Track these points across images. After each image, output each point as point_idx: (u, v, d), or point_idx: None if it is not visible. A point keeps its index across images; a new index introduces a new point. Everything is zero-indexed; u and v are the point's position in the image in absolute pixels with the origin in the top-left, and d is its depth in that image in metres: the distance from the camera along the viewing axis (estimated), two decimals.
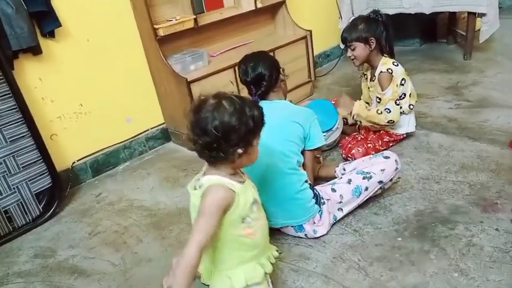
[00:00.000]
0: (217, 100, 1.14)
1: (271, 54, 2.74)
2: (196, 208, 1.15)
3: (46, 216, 2.09)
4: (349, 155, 2.11)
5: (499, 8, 3.17)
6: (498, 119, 2.32)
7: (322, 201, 1.66)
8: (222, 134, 1.10)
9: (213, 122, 1.10)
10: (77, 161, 2.36)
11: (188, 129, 1.18)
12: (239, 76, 1.74)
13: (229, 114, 1.11)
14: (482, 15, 3.02)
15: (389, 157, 1.74)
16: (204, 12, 2.72)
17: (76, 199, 2.25)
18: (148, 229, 1.89)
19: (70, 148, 2.32)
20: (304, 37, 2.95)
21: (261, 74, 1.65)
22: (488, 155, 2.00)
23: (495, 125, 2.26)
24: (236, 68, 1.95)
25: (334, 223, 1.70)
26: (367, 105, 2.23)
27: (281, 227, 1.68)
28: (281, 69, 1.74)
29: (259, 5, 2.80)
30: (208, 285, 1.29)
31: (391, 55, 2.13)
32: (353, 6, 3.27)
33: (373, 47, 2.06)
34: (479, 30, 3.14)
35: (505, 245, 1.47)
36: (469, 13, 3.11)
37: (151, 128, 2.64)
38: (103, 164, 2.46)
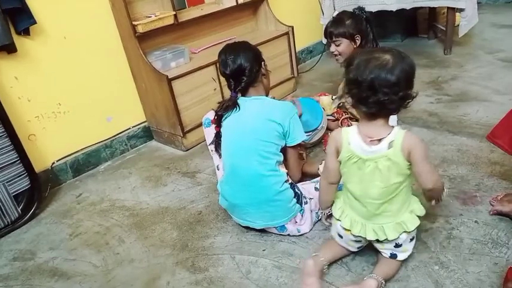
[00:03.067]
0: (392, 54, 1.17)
1: None
2: (385, 173, 1.21)
3: (25, 218, 2.04)
4: None
5: (478, 3, 3.22)
6: (477, 112, 2.36)
7: (304, 200, 1.65)
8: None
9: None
10: (57, 161, 2.32)
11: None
12: (218, 67, 1.67)
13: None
14: (461, 10, 3.06)
15: None
16: (185, 7, 2.69)
17: (56, 200, 2.21)
18: (130, 229, 1.86)
19: (49, 148, 2.27)
20: (286, 33, 2.95)
21: (242, 67, 1.57)
22: (467, 148, 2.03)
23: (474, 118, 2.30)
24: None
25: (318, 220, 1.70)
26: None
27: (263, 228, 1.67)
28: (263, 63, 1.68)
29: (240, 1, 2.78)
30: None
31: None
32: (335, 2, 3.27)
33: (357, 43, 2.06)
34: (459, 25, 3.18)
35: (483, 237, 1.49)
36: (449, 8, 3.14)
37: (132, 127, 2.61)
38: (83, 163, 2.42)
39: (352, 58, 1.22)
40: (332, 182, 1.39)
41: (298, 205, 1.63)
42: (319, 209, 1.62)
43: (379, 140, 1.20)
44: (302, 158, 2.08)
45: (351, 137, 1.25)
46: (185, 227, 1.82)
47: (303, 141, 1.83)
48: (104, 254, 1.73)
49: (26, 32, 2.05)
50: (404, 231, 1.30)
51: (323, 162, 1.90)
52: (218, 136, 1.69)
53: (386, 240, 1.31)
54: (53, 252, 1.81)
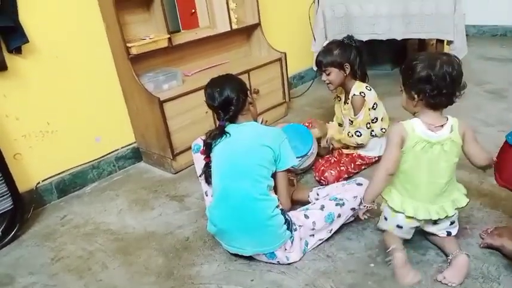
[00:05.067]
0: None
1: (246, 75, 2.75)
2: (449, 154, 1.44)
3: (6, 240, 1.97)
4: (322, 178, 2.11)
5: (465, 35, 3.30)
6: None
7: (294, 227, 1.63)
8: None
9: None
10: (42, 181, 2.26)
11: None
12: (205, 101, 1.69)
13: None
14: (450, 42, 3.13)
15: (361, 184, 1.74)
16: (180, 31, 2.71)
17: (39, 221, 2.14)
18: (114, 254, 1.81)
19: (35, 168, 2.22)
20: (279, 59, 2.98)
21: (228, 98, 1.62)
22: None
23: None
24: None
25: (306, 250, 1.67)
26: (339, 127, 2.26)
27: (252, 255, 1.64)
28: (248, 92, 1.72)
29: (234, 27, 2.81)
30: None
31: (364, 80, 2.17)
32: (326, 30, 3.33)
33: (347, 72, 2.09)
34: None
35: (474, 271, 1.48)
36: (438, 40, 3.22)
37: (121, 148, 2.57)
38: (69, 184, 2.36)
39: (411, 61, 1.42)
40: (391, 173, 1.48)
41: (288, 232, 1.61)
42: (360, 204, 1.58)
43: (442, 126, 1.42)
44: (292, 185, 2.07)
45: (415, 126, 1.42)
46: (171, 253, 1.77)
47: (293, 167, 1.83)
48: (85, 280, 1.67)
49: (17, 51, 2.03)
50: (456, 208, 1.51)
51: (313, 189, 1.91)
52: (208, 166, 1.68)
53: (446, 218, 1.50)
54: (32, 277, 1.74)
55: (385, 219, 1.58)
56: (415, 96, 1.40)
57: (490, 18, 4.53)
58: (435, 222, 1.51)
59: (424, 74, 1.36)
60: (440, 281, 1.44)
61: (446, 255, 1.52)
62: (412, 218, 1.49)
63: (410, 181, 1.48)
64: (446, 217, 1.49)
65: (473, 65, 3.71)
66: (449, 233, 1.55)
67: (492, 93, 3.07)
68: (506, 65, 3.63)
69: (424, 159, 1.43)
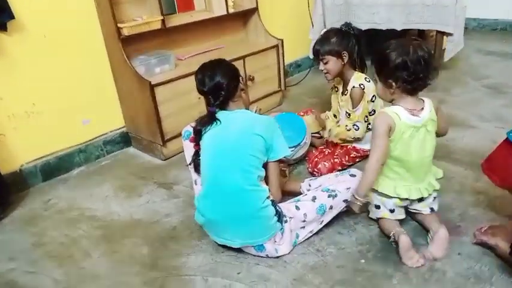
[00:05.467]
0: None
1: (241, 61, 2.67)
2: (432, 132, 1.52)
3: None
4: (315, 170, 2.06)
5: (465, 28, 3.23)
6: (463, 139, 2.34)
7: (284, 219, 1.58)
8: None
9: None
10: (26, 163, 2.19)
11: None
12: (196, 86, 1.62)
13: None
14: (449, 34, 3.07)
15: (355, 175, 1.70)
16: (175, 13, 2.62)
17: (22, 205, 2.08)
18: (98, 242, 1.75)
19: (19, 149, 2.15)
20: (276, 46, 2.90)
21: (219, 83, 1.55)
22: (452, 175, 2.00)
23: (460, 144, 2.28)
24: None
25: (296, 242, 1.63)
26: (334, 119, 2.20)
27: (241, 247, 1.59)
28: (240, 78, 1.65)
29: (231, 10, 2.72)
30: None
31: (362, 70, 2.10)
32: (325, 17, 3.25)
33: (345, 60, 2.02)
34: (445, 49, 3.19)
35: (466, 271, 1.44)
36: (438, 32, 3.15)
37: (110, 132, 2.50)
38: (55, 167, 2.29)
39: (383, 50, 1.44)
40: (383, 163, 1.51)
41: (278, 223, 1.56)
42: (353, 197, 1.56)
43: (422, 109, 1.47)
44: (285, 175, 2.02)
45: (400, 114, 1.45)
46: (157, 242, 1.72)
47: (285, 157, 1.78)
48: (66, 268, 1.62)
49: (3, 28, 1.94)
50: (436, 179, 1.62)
51: (305, 180, 1.86)
52: (197, 154, 1.62)
53: (434, 191, 1.61)
54: (12, 262, 1.68)
55: (377, 207, 1.63)
56: (393, 83, 1.44)
57: (490, 12, 4.46)
58: (421, 199, 1.58)
59: (401, 61, 1.39)
60: (429, 258, 1.49)
61: (428, 231, 1.58)
62: (402, 199, 1.56)
63: (402, 165, 1.52)
64: (435, 190, 1.60)
65: (472, 59, 3.65)
66: (432, 209, 1.62)
67: (491, 88, 3.02)
68: (506, 60, 3.58)
69: (412, 143, 1.48)
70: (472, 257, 1.50)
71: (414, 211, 1.64)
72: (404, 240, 1.48)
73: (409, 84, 1.42)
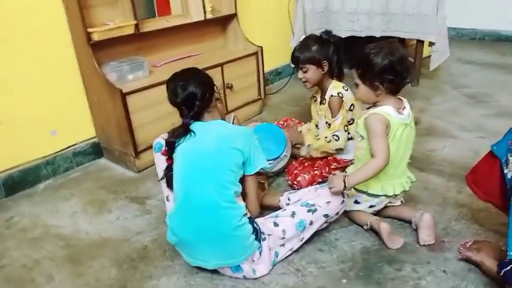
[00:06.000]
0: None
1: (219, 68, 2.59)
2: (413, 127, 1.57)
3: None
4: (295, 182, 1.98)
5: None
6: (444, 149, 2.31)
7: (262, 236, 1.50)
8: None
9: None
10: None
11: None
12: (168, 98, 1.52)
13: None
14: (432, 43, 3.06)
15: None
16: (155, 16, 2.54)
17: None
18: (63, 263, 1.62)
19: None
20: (255, 53, 2.83)
21: (193, 93, 1.45)
22: (435, 187, 1.95)
23: (441, 155, 2.24)
24: None
25: (276, 261, 1.54)
26: (317, 130, 2.13)
27: (216, 268, 1.49)
28: (215, 87, 1.57)
29: (209, 16, 2.64)
30: None
31: (340, 78, 2.04)
32: (306, 24, 3.20)
33: (325, 70, 1.96)
34: (426, 57, 3.18)
35: None
36: (418, 41, 3.14)
37: (80, 142, 2.36)
38: (19, 181, 2.14)
39: (366, 55, 1.46)
40: (387, 165, 1.47)
41: (256, 242, 1.47)
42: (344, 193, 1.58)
43: (404, 108, 1.53)
44: (263, 188, 1.94)
45: (390, 113, 1.47)
46: (126, 264, 1.60)
47: (264, 170, 1.70)
48: None
49: None
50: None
51: (284, 194, 1.77)
52: (170, 169, 1.52)
53: (411, 182, 1.65)
54: None
55: (357, 202, 1.67)
56: (380, 86, 1.46)
57: (469, 22, 4.51)
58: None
59: (387, 63, 1.42)
60: (423, 245, 1.56)
61: (409, 222, 1.65)
62: (387, 196, 1.61)
63: (391, 163, 1.51)
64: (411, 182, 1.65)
65: (452, 68, 3.67)
66: (402, 201, 1.73)
67: (470, 97, 3.02)
68: (484, 69, 3.60)
69: (402, 140, 1.52)
70: (457, 274, 1.45)
71: (389, 204, 1.69)
72: (385, 227, 1.55)
73: (394, 84, 1.46)
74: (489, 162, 1.42)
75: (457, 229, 1.67)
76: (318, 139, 2.04)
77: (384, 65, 1.42)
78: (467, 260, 1.48)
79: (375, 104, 1.53)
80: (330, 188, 1.55)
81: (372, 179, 1.51)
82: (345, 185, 1.50)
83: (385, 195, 1.60)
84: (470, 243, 1.53)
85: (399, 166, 1.58)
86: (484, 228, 1.66)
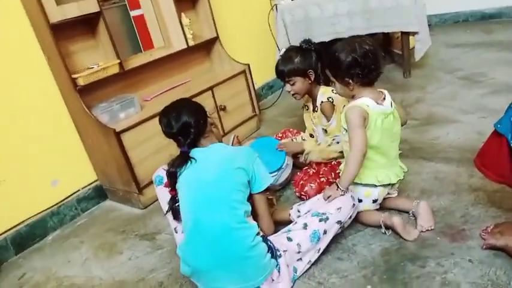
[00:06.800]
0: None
1: (209, 92, 2.59)
2: (397, 117, 1.59)
3: None
4: (303, 193, 1.94)
5: (428, 25, 3.23)
6: (448, 135, 2.26)
7: (278, 253, 1.45)
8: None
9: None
10: None
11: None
12: (163, 130, 1.52)
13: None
14: (414, 33, 3.05)
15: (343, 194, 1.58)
16: (141, 52, 2.56)
17: None
18: None
19: None
20: (243, 71, 2.83)
21: (187, 122, 1.47)
22: (445, 175, 1.91)
23: (446, 142, 2.20)
24: None
25: (296, 277, 1.49)
26: (311, 139, 2.10)
27: None
28: (207, 113, 1.57)
29: (191, 43, 2.64)
30: None
31: (328, 83, 2.02)
32: (289, 35, 3.20)
33: (312, 78, 1.94)
34: (413, 48, 3.17)
35: (482, 278, 1.32)
36: (403, 33, 3.14)
37: (82, 188, 2.34)
38: (27, 237, 2.11)
39: (333, 54, 1.51)
40: (365, 154, 1.50)
41: (273, 260, 1.43)
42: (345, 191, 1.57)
43: (384, 98, 1.55)
44: (272, 204, 1.90)
45: (368, 104, 1.50)
46: None
47: (270, 184, 1.67)
48: None
49: None
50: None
51: (293, 206, 1.73)
52: (174, 200, 1.49)
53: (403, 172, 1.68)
54: None
55: (360, 201, 1.65)
56: (350, 81, 1.50)
57: (450, 6, 4.51)
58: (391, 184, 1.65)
59: (351, 59, 1.46)
60: (421, 231, 1.58)
61: (407, 212, 1.69)
62: (385, 186, 1.63)
63: (380, 152, 1.57)
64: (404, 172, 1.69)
65: (441, 54, 3.65)
66: (398, 193, 1.76)
67: (465, 79, 2.99)
68: (474, 50, 3.58)
69: (385, 129, 1.54)
70: (483, 261, 1.39)
71: (387, 196, 1.71)
72: (398, 221, 1.56)
73: (364, 77, 1.49)
74: (495, 142, 1.37)
75: (476, 215, 1.61)
76: (319, 145, 2.01)
77: (348, 61, 1.47)
78: (492, 248, 1.42)
79: (353, 98, 1.57)
80: (326, 199, 1.57)
81: (361, 168, 1.55)
82: (340, 189, 1.54)
83: (382, 185, 1.61)
84: (491, 227, 1.48)
85: (389, 155, 1.61)
86: (503, 209, 1.61)
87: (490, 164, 1.38)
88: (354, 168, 1.51)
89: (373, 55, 1.47)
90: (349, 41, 1.51)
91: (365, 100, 1.51)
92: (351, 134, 1.50)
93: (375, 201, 1.66)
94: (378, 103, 1.52)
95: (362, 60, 1.46)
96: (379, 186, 1.61)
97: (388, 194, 1.71)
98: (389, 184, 1.63)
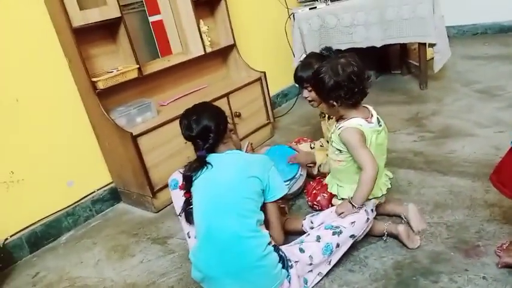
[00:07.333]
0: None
1: (225, 99, 2.61)
2: (386, 134, 1.61)
3: None
4: (315, 203, 1.94)
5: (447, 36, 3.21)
6: (464, 148, 2.24)
7: (289, 264, 1.45)
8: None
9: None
10: (10, 236, 2.06)
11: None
12: (182, 133, 1.54)
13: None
14: (432, 45, 3.03)
15: None
16: (159, 57, 2.60)
17: (8, 283, 1.93)
18: None
19: (1, 223, 2.02)
20: (259, 79, 2.84)
21: (207, 126, 1.48)
22: (460, 189, 1.89)
23: (462, 155, 2.17)
24: None
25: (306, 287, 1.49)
26: (325, 146, 2.10)
27: None
28: (228, 118, 1.59)
29: (208, 50, 2.67)
30: None
31: None
32: (305, 44, 3.22)
33: None
34: (431, 59, 3.15)
35: None
36: (420, 44, 3.12)
37: (97, 190, 2.38)
38: (42, 236, 2.15)
39: (317, 75, 1.51)
40: (378, 170, 1.50)
41: (284, 270, 1.43)
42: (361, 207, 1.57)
43: (372, 116, 1.56)
44: (284, 213, 1.90)
45: (361, 123, 1.51)
46: None
47: None
48: None
49: None
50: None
51: (306, 217, 1.73)
52: (188, 203, 1.51)
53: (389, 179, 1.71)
54: None
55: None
56: (334, 103, 1.51)
57: (469, 18, 4.47)
58: None
59: (333, 83, 1.46)
60: (418, 233, 1.64)
61: (399, 216, 1.74)
62: (376, 198, 1.65)
63: None
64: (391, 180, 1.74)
65: (459, 66, 3.61)
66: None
67: (482, 92, 2.96)
68: (491, 63, 3.54)
69: (378, 145, 1.57)
70: (498, 279, 1.37)
71: (377, 203, 1.72)
72: (403, 229, 1.59)
73: (348, 100, 1.49)
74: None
75: (491, 231, 1.59)
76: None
77: (330, 85, 1.47)
78: (508, 266, 1.40)
79: (341, 117, 1.57)
80: (339, 215, 1.57)
81: (355, 185, 1.55)
82: (354, 206, 1.53)
83: (376, 197, 1.64)
84: (507, 244, 1.45)
85: (379, 168, 1.59)
86: None
87: (507, 181, 1.36)
88: (369, 187, 1.50)
89: (357, 77, 1.46)
90: (333, 64, 1.49)
91: (356, 120, 1.52)
92: (358, 154, 1.49)
93: (372, 211, 1.66)
94: (368, 122, 1.53)
95: (345, 84, 1.45)
96: (372, 198, 1.62)
97: (379, 202, 1.73)
98: (381, 195, 1.66)
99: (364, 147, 1.49)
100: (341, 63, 1.47)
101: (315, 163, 2.05)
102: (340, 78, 1.45)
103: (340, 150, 1.57)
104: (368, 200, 1.60)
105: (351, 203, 1.54)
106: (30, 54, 2.06)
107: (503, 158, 1.39)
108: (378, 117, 1.58)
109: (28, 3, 2.03)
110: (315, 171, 2.06)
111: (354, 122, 1.52)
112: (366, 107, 1.59)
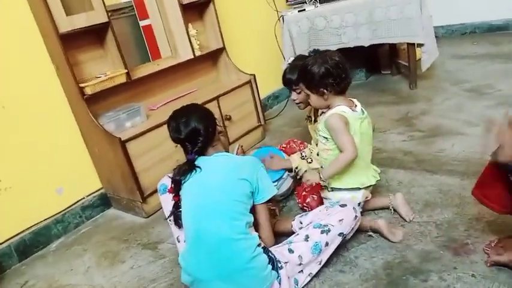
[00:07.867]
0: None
1: (215, 102, 2.60)
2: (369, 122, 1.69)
3: None
4: (305, 204, 1.93)
5: (435, 37, 3.23)
6: (453, 147, 2.25)
7: (279, 265, 1.45)
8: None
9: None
10: None
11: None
12: (170, 135, 1.53)
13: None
14: (420, 45, 3.05)
15: (346, 205, 1.59)
16: (150, 61, 2.59)
17: None
18: None
19: None
20: (249, 81, 2.85)
21: (196, 129, 1.47)
22: (449, 188, 1.89)
23: (451, 154, 2.18)
24: None
25: None
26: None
27: None
28: (217, 121, 1.57)
29: (197, 53, 2.67)
30: None
31: None
32: (295, 47, 3.23)
33: None
34: (420, 59, 3.17)
35: None
36: (409, 44, 3.14)
37: (87, 196, 2.36)
38: (31, 244, 2.13)
39: (305, 68, 1.63)
40: (356, 156, 1.59)
41: (274, 272, 1.43)
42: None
43: (356, 105, 1.66)
44: (275, 215, 1.90)
45: (345, 110, 1.61)
46: None
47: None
48: None
49: None
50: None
51: (296, 218, 1.73)
52: (177, 207, 1.50)
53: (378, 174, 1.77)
54: None
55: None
56: (325, 90, 1.61)
57: (457, 17, 4.51)
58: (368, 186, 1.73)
59: (324, 70, 1.58)
60: (409, 221, 1.70)
61: (387, 208, 1.80)
62: (366, 188, 1.71)
63: (359, 155, 1.62)
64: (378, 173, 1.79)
65: (448, 65, 3.64)
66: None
67: (471, 91, 2.97)
68: (480, 62, 3.56)
69: (362, 133, 1.64)
70: (487, 276, 1.37)
71: (365, 199, 1.77)
72: (383, 223, 1.64)
73: (337, 85, 1.60)
74: (494, 169, 1.30)
75: (479, 228, 1.60)
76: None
77: (321, 72, 1.58)
78: (497, 264, 1.40)
79: (328, 108, 1.66)
80: (306, 181, 1.71)
81: (345, 174, 1.66)
82: (320, 177, 1.65)
83: (365, 188, 1.70)
84: (495, 242, 1.46)
85: (365, 159, 1.70)
86: (507, 223, 1.59)
87: (491, 195, 1.32)
88: (341, 166, 1.61)
89: (342, 65, 1.59)
90: (320, 55, 1.62)
91: (341, 108, 1.61)
92: (340, 138, 1.59)
93: (358, 204, 1.72)
94: (352, 110, 1.62)
95: (334, 71, 1.57)
96: (362, 189, 1.69)
97: (366, 197, 1.77)
98: (369, 186, 1.72)
99: (347, 133, 1.58)
100: (327, 54, 1.61)
101: (290, 169, 2.04)
102: (329, 65, 1.57)
103: (327, 138, 1.65)
104: (358, 189, 1.69)
105: (320, 174, 1.66)
106: (17, 61, 2.05)
107: (484, 171, 1.36)
108: (362, 108, 1.67)
109: (14, 10, 2.02)
110: (304, 180, 2.05)
111: (339, 109, 1.61)
112: (351, 100, 1.68)
